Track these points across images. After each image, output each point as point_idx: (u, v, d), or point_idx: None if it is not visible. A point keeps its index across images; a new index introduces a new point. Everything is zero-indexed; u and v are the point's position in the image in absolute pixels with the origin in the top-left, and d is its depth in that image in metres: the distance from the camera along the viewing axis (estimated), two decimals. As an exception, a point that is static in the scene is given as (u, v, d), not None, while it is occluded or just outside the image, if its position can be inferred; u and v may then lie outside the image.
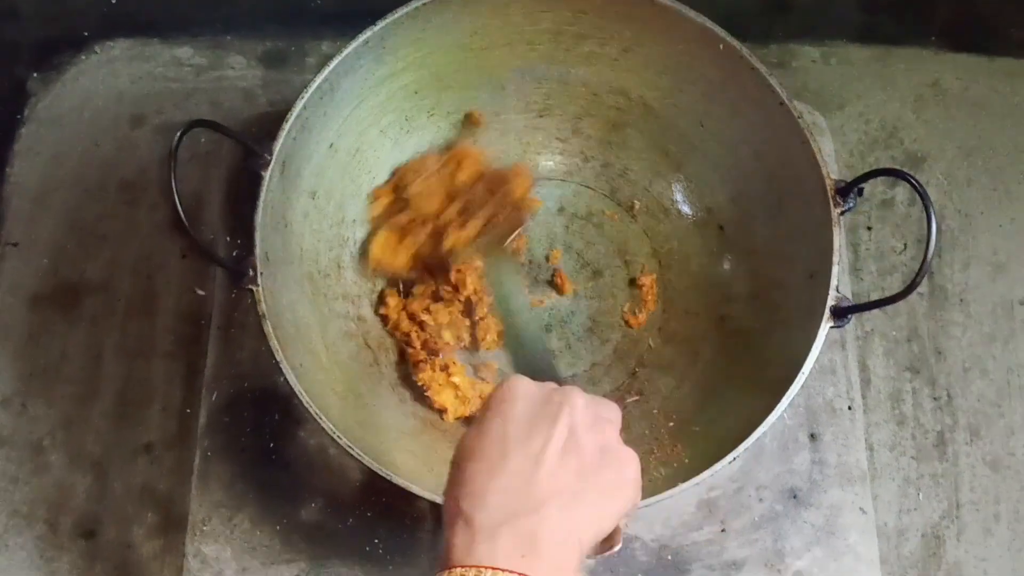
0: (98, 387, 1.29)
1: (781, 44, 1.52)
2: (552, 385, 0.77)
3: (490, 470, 0.70)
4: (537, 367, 0.94)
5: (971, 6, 1.51)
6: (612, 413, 0.78)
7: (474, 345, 1.19)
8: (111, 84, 1.46)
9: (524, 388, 0.76)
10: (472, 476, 0.71)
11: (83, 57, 1.47)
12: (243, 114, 1.41)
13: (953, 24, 1.52)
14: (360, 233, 1.19)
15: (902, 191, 1.41)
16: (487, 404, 0.76)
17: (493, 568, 0.65)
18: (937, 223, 0.93)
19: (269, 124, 1.03)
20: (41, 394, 1.29)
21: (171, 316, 1.32)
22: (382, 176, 1.20)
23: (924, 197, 0.93)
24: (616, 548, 0.77)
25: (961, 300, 1.37)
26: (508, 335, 1.08)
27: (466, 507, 0.69)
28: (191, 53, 1.48)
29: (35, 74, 1.46)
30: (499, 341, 1.18)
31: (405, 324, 1.17)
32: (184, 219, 0.91)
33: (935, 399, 1.32)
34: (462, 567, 0.66)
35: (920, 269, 0.90)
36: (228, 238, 1.22)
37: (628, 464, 0.75)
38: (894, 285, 1.33)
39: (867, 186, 1.37)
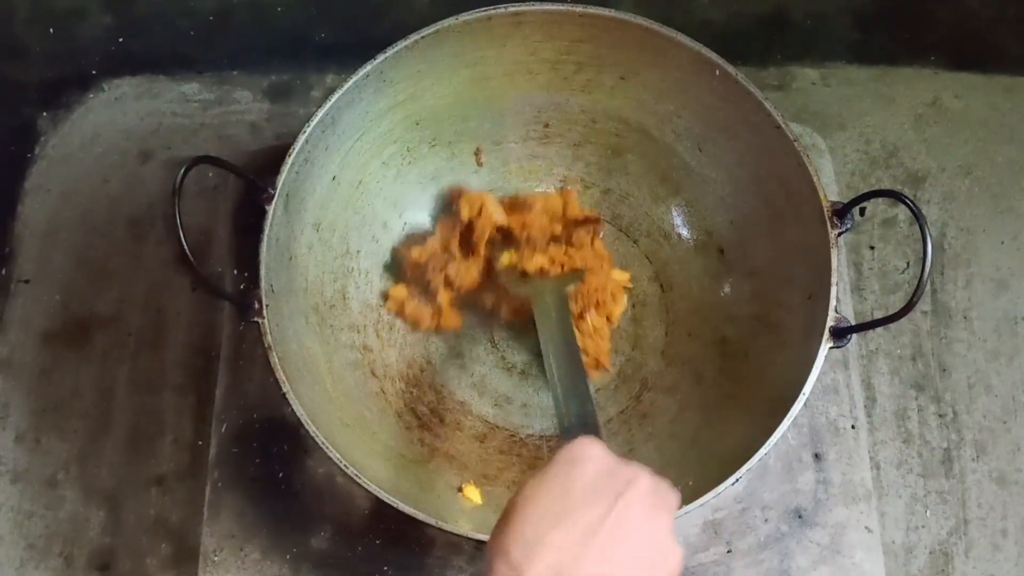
0: (110, 421, 1.30)
1: (780, 66, 1.54)
2: (619, 459, 0.76)
3: (547, 524, 0.70)
4: (574, 408, 0.93)
5: (968, 24, 1.52)
6: (671, 500, 0.77)
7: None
8: (119, 121, 1.48)
9: (595, 452, 0.75)
10: (528, 524, 0.70)
11: (91, 95, 1.49)
12: (250, 148, 1.43)
13: (950, 43, 1.53)
14: (365, 263, 1.20)
15: (904, 210, 1.42)
16: (555, 459, 0.75)
17: None
18: (933, 242, 0.94)
19: (275, 157, 1.04)
20: (54, 429, 1.30)
21: (181, 349, 1.34)
22: (384, 208, 1.21)
23: (919, 216, 0.94)
24: None
25: (965, 317, 1.38)
26: (549, 371, 1.01)
27: (516, 554, 0.68)
28: (198, 89, 1.50)
29: (44, 113, 1.48)
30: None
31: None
32: (189, 253, 0.92)
33: (941, 416, 1.33)
34: None
35: (916, 289, 0.91)
36: (236, 271, 1.23)
37: (672, 557, 0.74)
38: (897, 303, 1.34)
39: (869, 205, 1.39)
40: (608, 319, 1.21)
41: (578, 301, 1.18)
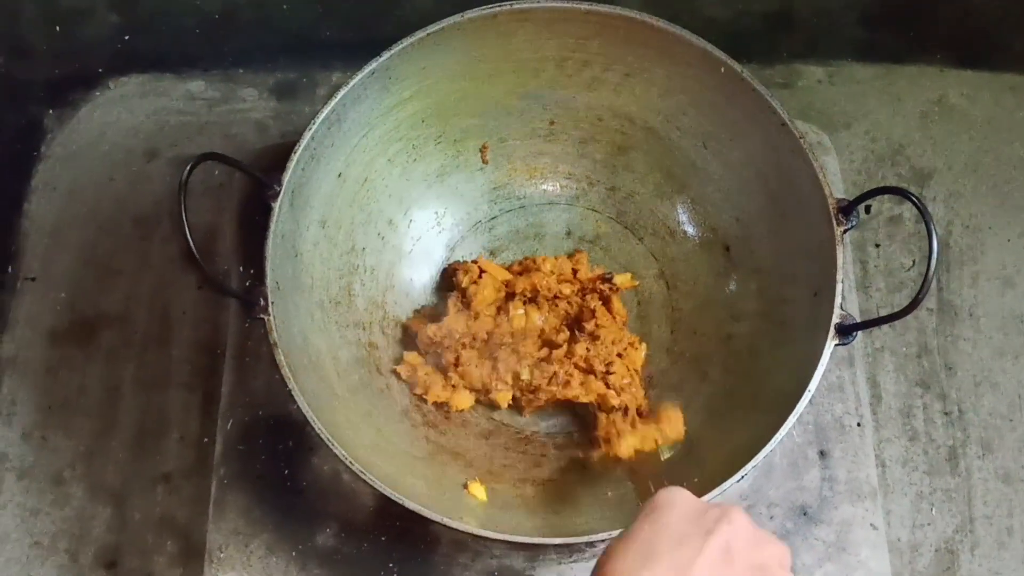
0: (116, 419, 1.30)
1: (786, 64, 1.53)
2: (709, 503, 0.73)
3: (636, 569, 0.66)
4: None
5: (973, 22, 1.52)
6: (778, 549, 0.72)
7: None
8: (125, 119, 1.48)
9: (680, 497, 0.72)
10: (616, 572, 0.67)
11: (97, 93, 1.49)
12: (256, 146, 1.43)
13: (956, 40, 1.53)
14: (371, 261, 1.20)
15: (909, 208, 1.42)
16: (640, 511, 0.72)
17: None
18: (939, 240, 0.93)
19: (281, 155, 1.04)
20: (61, 427, 1.30)
21: (187, 347, 1.34)
22: (390, 205, 1.22)
23: (924, 214, 0.94)
24: None
25: (970, 315, 1.38)
26: None
27: None
28: (203, 87, 1.50)
29: (51, 111, 1.48)
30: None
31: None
32: (195, 251, 0.93)
33: (946, 414, 1.33)
34: None
35: (922, 287, 0.91)
36: (242, 268, 1.23)
37: None
38: (903, 301, 1.34)
39: (875, 203, 1.39)
40: (634, 369, 1.18)
41: (600, 355, 1.16)
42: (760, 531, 0.72)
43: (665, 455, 1.10)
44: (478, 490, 1.09)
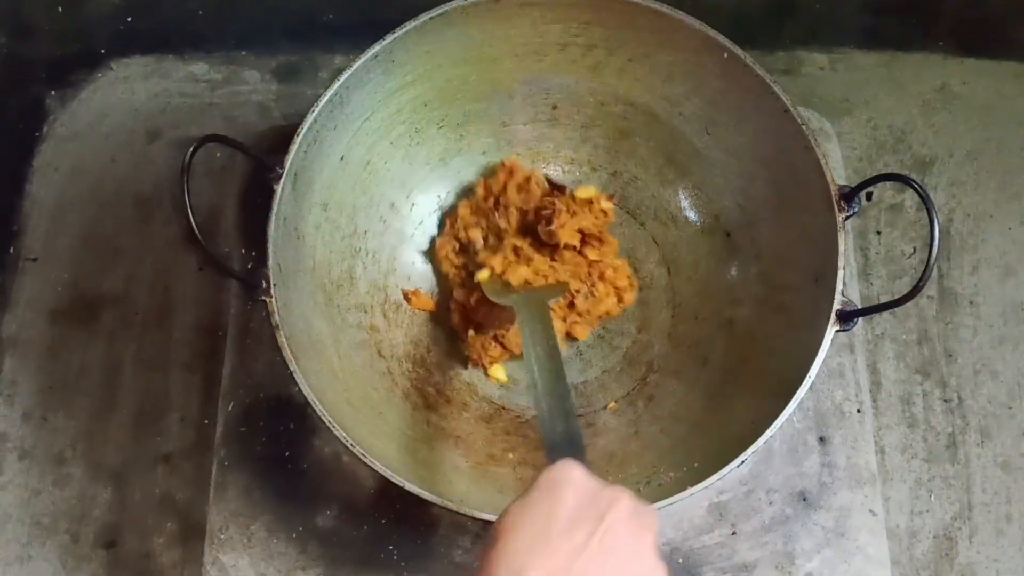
0: (117, 399, 1.31)
1: (788, 51, 1.53)
2: (600, 482, 0.77)
3: (531, 549, 0.71)
4: (559, 425, 0.92)
5: (977, 10, 1.51)
6: (653, 520, 0.77)
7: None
8: (127, 100, 1.48)
9: (575, 475, 0.76)
10: (513, 552, 0.71)
11: (99, 74, 1.49)
12: (257, 128, 1.42)
13: (960, 28, 1.53)
14: (372, 244, 1.20)
15: (911, 195, 1.42)
16: (537, 483, 0.76)
17: None
18: (940, 227, 0.94)
19: (283, 137, 1.04)
20: (61, 407, 1.30)
21: (188, 328, 1.34)
22: (392, 189, 1.22)
23: (926, 201, 0.94)
24: None
25: (971, 303, 1.38)
26: (533, 384, 0.99)
27: None
28: (206, 69, 1.50)
29: (52, 92, 1.48)
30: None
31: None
32: (197, 232, 0.93)
33: (946, 401, 1.33)
34: None
35: (923, 273, 0.91)
36: (243, 250, 1.23)
37: (657, 575, 0.75)
38: (904, 289, 1.34)
39: (876, 191, 1.39)
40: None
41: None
42: (642, 513, 0.76)
43: (552, 299, 1.16)
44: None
